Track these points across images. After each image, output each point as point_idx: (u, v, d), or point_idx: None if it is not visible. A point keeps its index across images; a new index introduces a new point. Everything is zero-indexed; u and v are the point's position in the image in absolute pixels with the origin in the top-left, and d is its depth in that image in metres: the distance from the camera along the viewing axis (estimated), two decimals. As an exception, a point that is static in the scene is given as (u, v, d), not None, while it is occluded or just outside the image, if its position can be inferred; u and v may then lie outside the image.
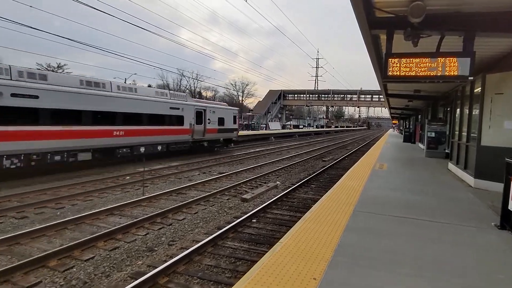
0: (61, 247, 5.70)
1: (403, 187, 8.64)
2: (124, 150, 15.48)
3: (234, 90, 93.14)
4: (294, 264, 3.78)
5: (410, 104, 23.21)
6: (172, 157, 19.56)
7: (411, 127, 34.69)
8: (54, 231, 6.79)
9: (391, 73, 6.20)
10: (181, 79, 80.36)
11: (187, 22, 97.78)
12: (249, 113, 61.98)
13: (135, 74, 63.05)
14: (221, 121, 23.21)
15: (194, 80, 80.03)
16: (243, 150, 27.18)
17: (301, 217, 6.17)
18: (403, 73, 6.11)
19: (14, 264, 4.99)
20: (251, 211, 8.43)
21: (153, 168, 15.03)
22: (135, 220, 7.35)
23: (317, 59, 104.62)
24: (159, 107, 17.77)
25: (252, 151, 26.22)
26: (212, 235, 6.53)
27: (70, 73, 62.06)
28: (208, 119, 21.75)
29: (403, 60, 6.14)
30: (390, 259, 4.02)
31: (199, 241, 6.26)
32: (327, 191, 8.62)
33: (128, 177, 13.04)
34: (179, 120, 19.31)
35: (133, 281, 4.63)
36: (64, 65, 61.29)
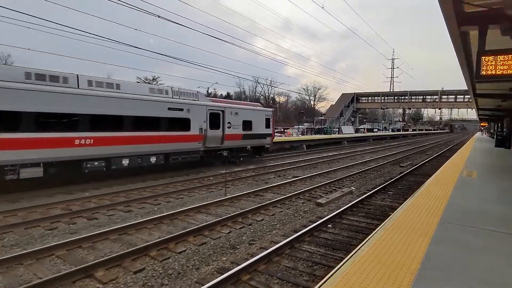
0: (159, 239, 6.26)
1: (499, 198, 7.49)
2: (96, 163, 11.56)
3: (306, 94, 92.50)
4: (378, 273, 3.53)
5: (503, 105, 20.11)
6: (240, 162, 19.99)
7: (505, 130, 30.02)
8: (153, 224, 7.50)
9: (484, 72, 5.44)
10: (256, 86, 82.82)
11: (262, 31, 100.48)
12: (321, 117, 60.66)
13: (216, 83, 66.85)
14: (247, 124, 18.45)
15: (268, 86, 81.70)
16: (316, 154, 26.66)
17: (379, 225, 5.78)
18: (500, 72, 5.31)
19: (125, 251, 5.63)
20: (326, 216, 8.18)
21: (233, 171, 15.63)
22: (219, 218, 7.71)
23: (393, 59, 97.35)
24: (150, 107, 13.36)
25: (325, 155, 25.55)
26: (289, 237, 6.50)
27: (162, 84, 68.84)
28: (228, 123, 17.07)
29: (500, 57, 5.34)
30: (489, 279, 3.49)
31: (277, 243, 6.28)
32: (406, 199, 7.94)
33: (211, 178, 13.79)
34: (184, 123, 14.83)
35: (219, 276, 4.84)
36: (158, 77, 67.18)
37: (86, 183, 11.68)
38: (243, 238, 6.83)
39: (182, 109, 14.66)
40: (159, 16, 17.39)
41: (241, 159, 18.91)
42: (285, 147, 30.28)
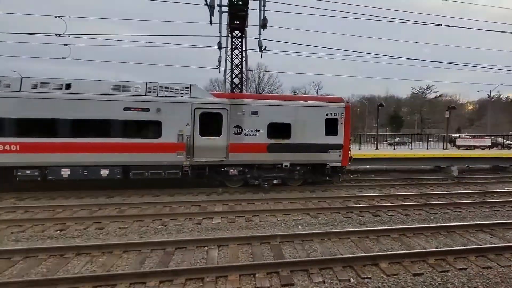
0: (437, 249, 6.06)
1: None
2: (28, 171, 9.92)
3: None
4: None
5: None
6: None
7: None
8: (429, 232, 7.18)
9: None
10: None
11: None
12: None
13: (502, 84, 48.96)
14: (279, 129, 11.15)
15: None
16: None
17: None
18: None
19: (405, 251, 5.90)
20: None
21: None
22: (509, 244, 6.27)
23: None
24: (96, 108, 10.11)
25: None
26: None
27: (436, 92, 61.86)
28: (237, 127, 10.88)
29: None
30: None
31: None
32: None
33: (495, 195, 11.02)
34: (150, 128, 10.57)
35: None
36: (432, 85, 63.39)
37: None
38: (549, 277, 5.22)
39: (148, 109, 10.45)
40: (441, 25, 16.07)
41: (275, 182, 11.47)
42: None
